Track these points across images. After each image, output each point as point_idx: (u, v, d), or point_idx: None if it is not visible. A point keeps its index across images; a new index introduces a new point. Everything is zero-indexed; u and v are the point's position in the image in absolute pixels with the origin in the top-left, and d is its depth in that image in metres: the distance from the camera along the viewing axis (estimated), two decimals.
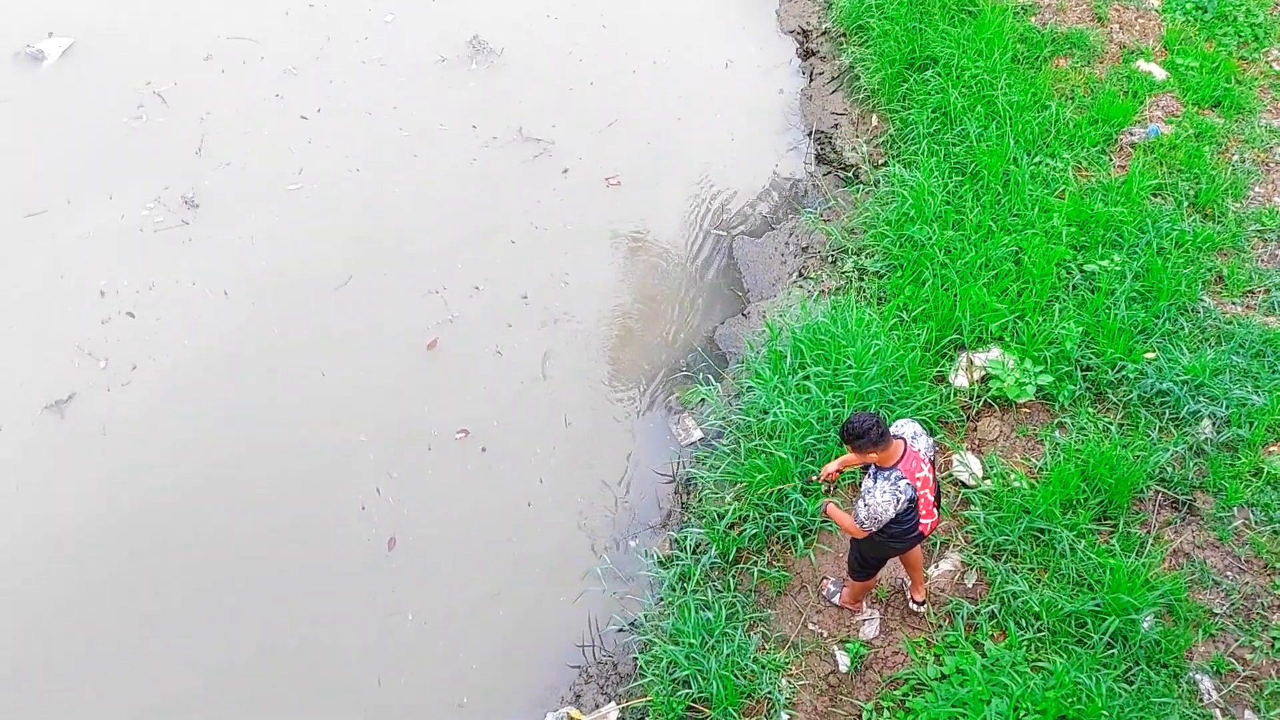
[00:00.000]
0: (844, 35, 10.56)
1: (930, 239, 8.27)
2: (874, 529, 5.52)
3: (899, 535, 5.66)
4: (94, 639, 6.93)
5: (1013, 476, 7.08)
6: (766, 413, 7.38)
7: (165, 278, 8.65)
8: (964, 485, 7.12)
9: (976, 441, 7.38)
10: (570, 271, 8.83)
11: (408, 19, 10.75)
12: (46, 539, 7.34)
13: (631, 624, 6.93)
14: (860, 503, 5.48)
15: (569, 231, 9.12)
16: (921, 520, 5.64)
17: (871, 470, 5.47)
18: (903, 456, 5.41)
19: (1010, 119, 9.01)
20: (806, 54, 10.69)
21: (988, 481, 7.11)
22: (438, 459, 7.70)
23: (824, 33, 10.77)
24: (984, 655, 6.30)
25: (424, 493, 7.56)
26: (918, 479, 5.46)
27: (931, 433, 7.05)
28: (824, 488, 6.55)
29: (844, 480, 7.11)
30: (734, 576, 6.89)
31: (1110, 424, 7.29)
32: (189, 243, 8.84)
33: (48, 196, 9.11)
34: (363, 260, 8.82)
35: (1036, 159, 8.83)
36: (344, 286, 8.63)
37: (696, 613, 6.61)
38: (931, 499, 5.63)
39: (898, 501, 5.40)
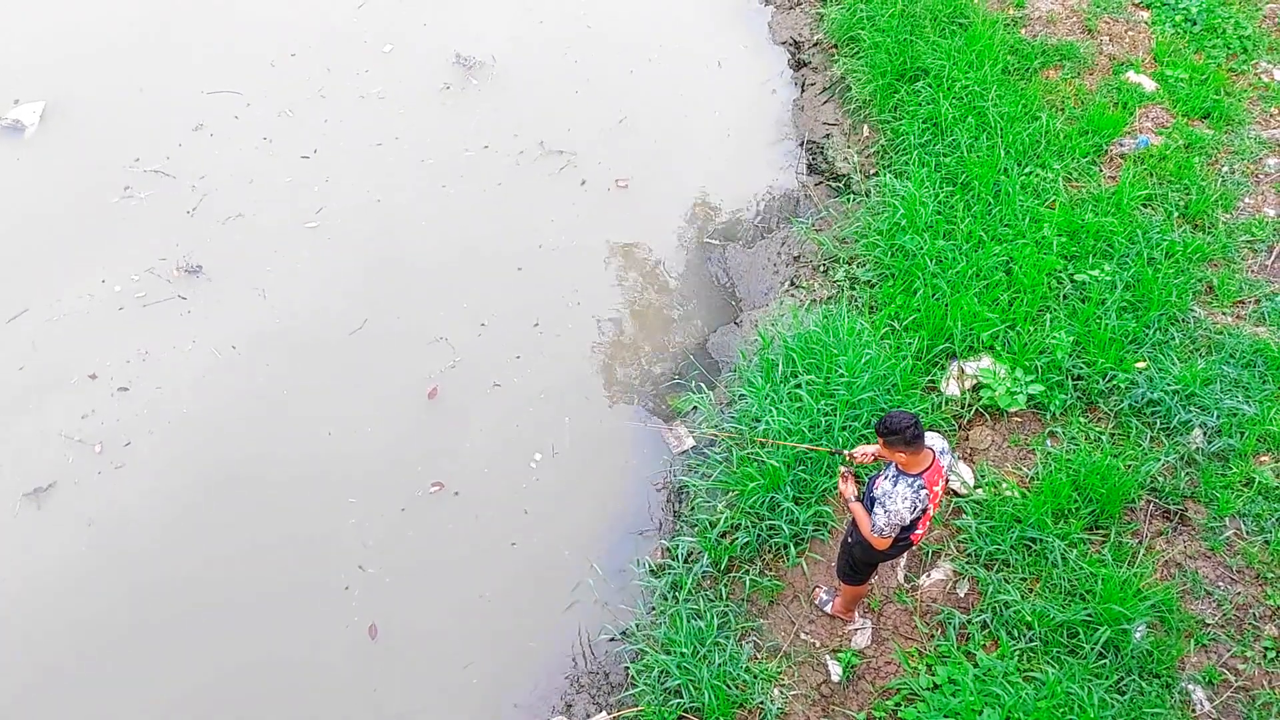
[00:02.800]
0: (835, 46, 10.60)
1: (921, 249, 8.28)
2: (892, 535, 5.48)
3: (894, 541, 5.64)
4: None
5: (1004, 485, 7.08)
6: (759, 421, 7.37)
7: (163, 344, 8.28)
8: (955, 494, 7.11)
9: (968, 450, 7.38)
10: (579, 289, 8.77)
11: (403, 47, 10.51)
12: (21, 638, 6.94)
13: (623, 633, 6.90)
14: (879, 508, 5.41)
15: (577, 249, 9.05)
16: (916, 531, 5.62)
17: (892, 473, 5.43)
18: (929, 467, 5.38)
19: (1001, 130, 9.04)
20: (798, 65, 10.72)
21: (979, 490, 7.11)
22: (418, 516, 7.48)
23: (815, 44, 10.81)
24: (976, 665, 6.28)
25: (407, 551, 7.33)
26: (934, 491, 5.43)
27: None
28: (843, 466, 6.49)
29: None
30: (726, 585, 6.87)
31: (1101, 433, 7.30)
32: (188, 315, 8.45)
33: (31, 281, 8.63)
34: (379, 300, 8.59)
35: (1027, 169, 8.86)
36: (359, 331, 8.41)
37: (688, 622, 6.59)
38: (932, 514, 5.62)
39: (914, 509, 5.37)
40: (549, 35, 10.69)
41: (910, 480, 5.33)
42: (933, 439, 5.55)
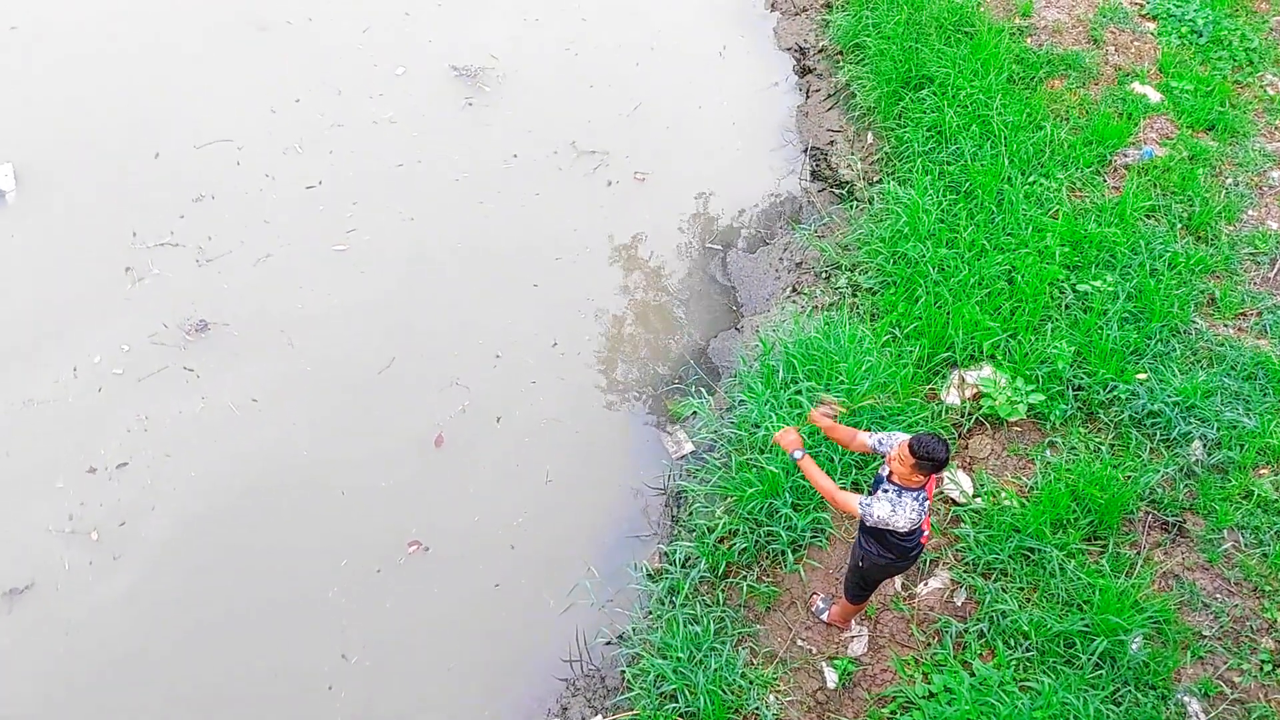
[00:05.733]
0: (840, 53, 10.60)
1: (924, 256, 8.28)
2: (877, 526, 5.40)
3: (906, 553, 5.63)
4: None
5: (1003, 495, 7.08)
6: (758, 426, 7.36)
7: (170, 409, 7.80)
8: (954, 503, 7.11)
9: (967, 459, 7.37)
10: (591, 299, 8.70)
11: (415, 67, 10.25)
12: None
13: (620, 637, 6.90)
14: (886, 502, 5.30)
15: (588, 257, 8.99)
16: (924, 534, 5.62)
17: (894, 486, 5.34)
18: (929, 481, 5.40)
19: (1005, 139, 9.04)
20: (803, 71, 10.73)
21: (978, 499, 7.11)
22: (399, 576, 7.22)
23: (821, 50, 10.81)
24: (972, 674, 6.28)
25: (389, 619, 7.04)
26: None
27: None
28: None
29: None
30: (723, 591, 6.87)
31: (1101, 444, 7.29)
32: (197, 377, 7.99)
33: (31, 356, 8.02)
34: (408, 334, 8.30)
35: (1031, 179, 8.86)
36: (387, 370, 8.10)
37: (685, 626, 6.59)
38: (930, 519, 5.62)
39: (913, 524, 5.35)
40: (551, 37, 10.65)
41: (916, 494, 5.31)
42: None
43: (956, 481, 7.16)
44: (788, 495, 6.98)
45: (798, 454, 5.71)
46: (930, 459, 5.09)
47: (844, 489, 5.76)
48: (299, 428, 7.81)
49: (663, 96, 10.25)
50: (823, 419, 5.91)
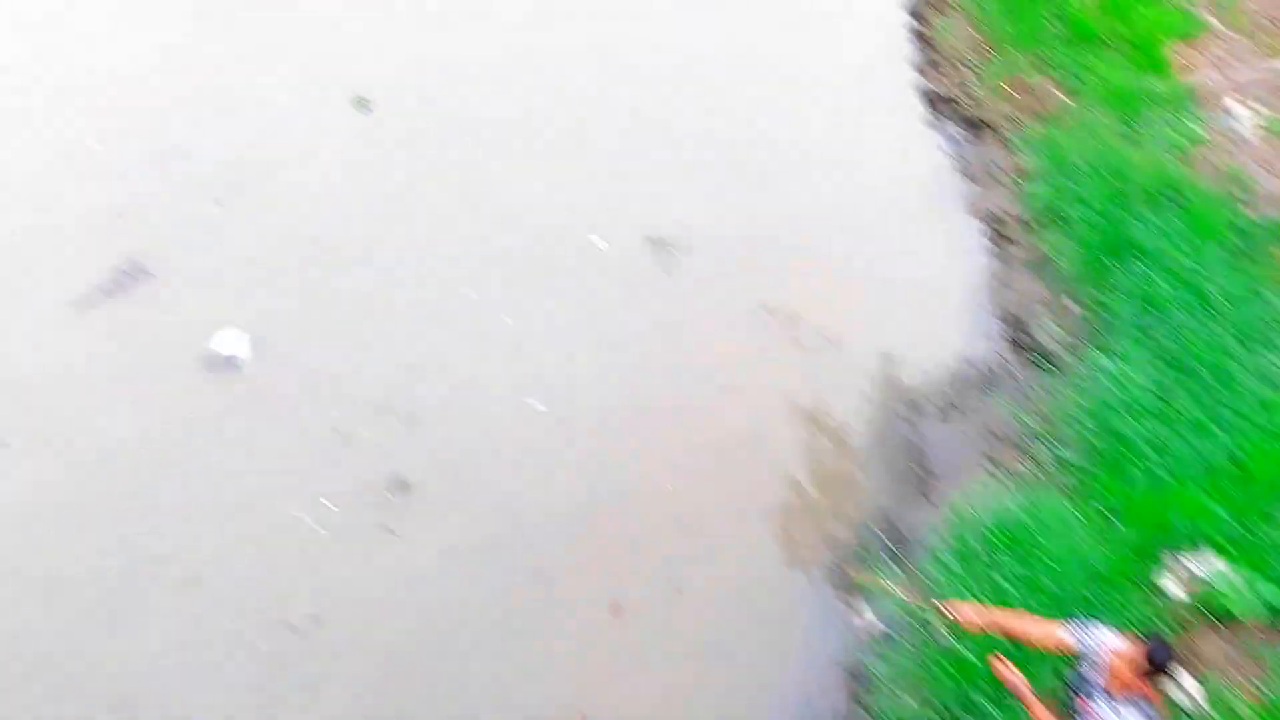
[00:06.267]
0: (1038, 220, 10.38)
1: (1136, 432, 7.77)
2: None
3: None
4: None
5: (1238, 704, 6.32)
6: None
7: (366, 568, 7.94)
8: (1180, 710, 6.39)
9: (1193, 660, 6.65)
10: (779, 462, 8.57)
11: (606, 230, 10.42)
12: None
13: None
14: None
15: (768, 410, 8.93)
16: None
17: (1111, 699, 4.83)
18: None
19: (1224, 311, 8.52)
20: (999, 238, 10.55)
21: (1207, 707, 6.37)
22: None
23: (1016, 217, 10.63)
24: None
25: None
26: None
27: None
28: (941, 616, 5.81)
29: None
30: None
31: None
32: (394, 537, 8.15)
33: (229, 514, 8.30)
34: (598, 496, 8.32)
35: (1256, 353, 8.25)
36: (572, 533, 8.10)
37: None
38: None
39: None
40: (740, 200, 10.84)
41: (1140, 704, 4.77)
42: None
43: (1181, 685, 6.45)
44: (985, 684, 6.46)
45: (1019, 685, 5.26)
46: (1165, 670, 4.62)
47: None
48: (485, 591, 7.83)
49: (855, 260, 10.23)
50: (982, 615, 5.41)
